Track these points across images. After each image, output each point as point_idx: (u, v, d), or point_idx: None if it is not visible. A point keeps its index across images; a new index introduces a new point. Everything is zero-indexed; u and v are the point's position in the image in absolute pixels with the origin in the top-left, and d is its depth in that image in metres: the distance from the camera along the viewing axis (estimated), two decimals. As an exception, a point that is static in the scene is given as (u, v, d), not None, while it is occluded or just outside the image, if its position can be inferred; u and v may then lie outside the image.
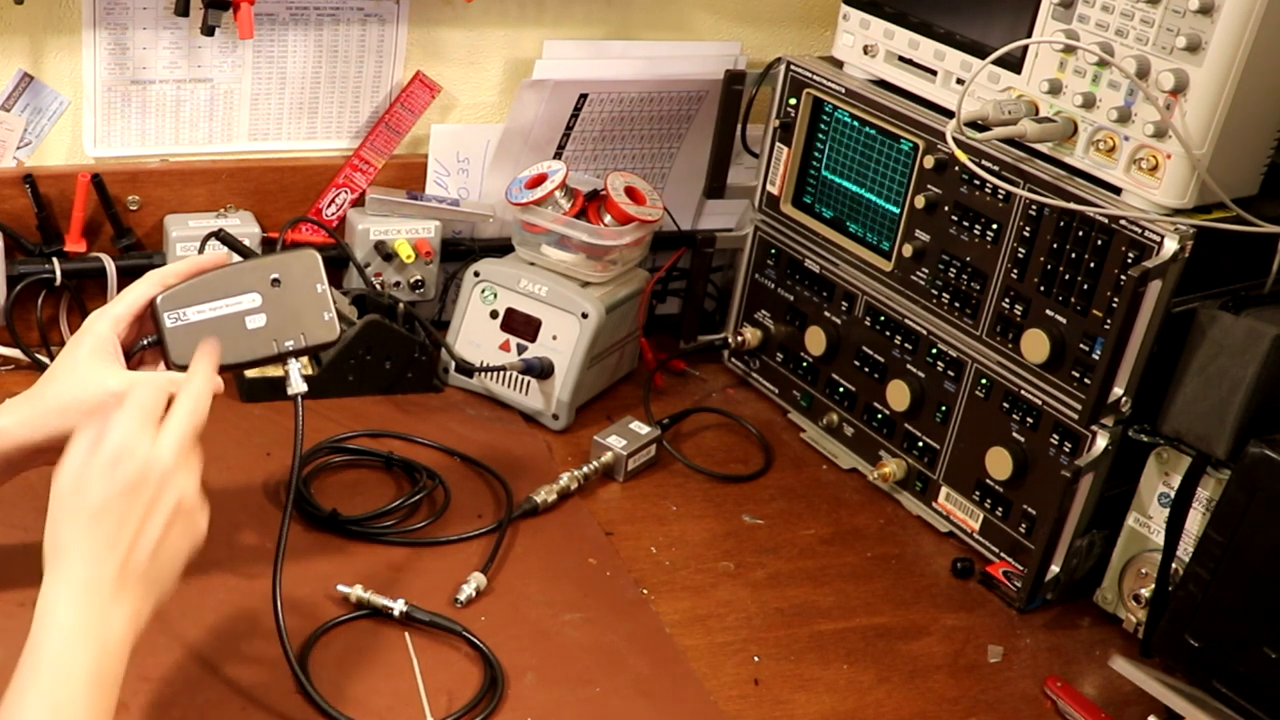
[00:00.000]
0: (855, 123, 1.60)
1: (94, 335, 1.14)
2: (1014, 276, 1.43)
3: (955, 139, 1.35)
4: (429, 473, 1.48)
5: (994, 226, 1.44)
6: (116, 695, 0.97)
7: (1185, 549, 1.33)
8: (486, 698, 1.20)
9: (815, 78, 1.61)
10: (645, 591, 1.38)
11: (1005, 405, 1.46)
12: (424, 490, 1.45)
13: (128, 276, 1.61)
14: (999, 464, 1.46)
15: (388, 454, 1.51)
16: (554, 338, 1.62)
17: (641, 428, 1.59)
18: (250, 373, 1.48)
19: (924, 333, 1.54)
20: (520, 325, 1.64)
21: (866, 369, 1.61)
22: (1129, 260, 1.32)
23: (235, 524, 1.37)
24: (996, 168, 1.42)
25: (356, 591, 1.28)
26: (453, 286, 1.79)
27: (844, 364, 1.64)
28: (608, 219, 1.64)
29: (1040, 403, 1.42)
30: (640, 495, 1.54)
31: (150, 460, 1.01)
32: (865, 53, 1.57)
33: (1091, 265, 1.35)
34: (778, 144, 1.68)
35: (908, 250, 1.53)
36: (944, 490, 1.54)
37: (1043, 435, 1.43)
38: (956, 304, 1.49)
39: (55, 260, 1.59)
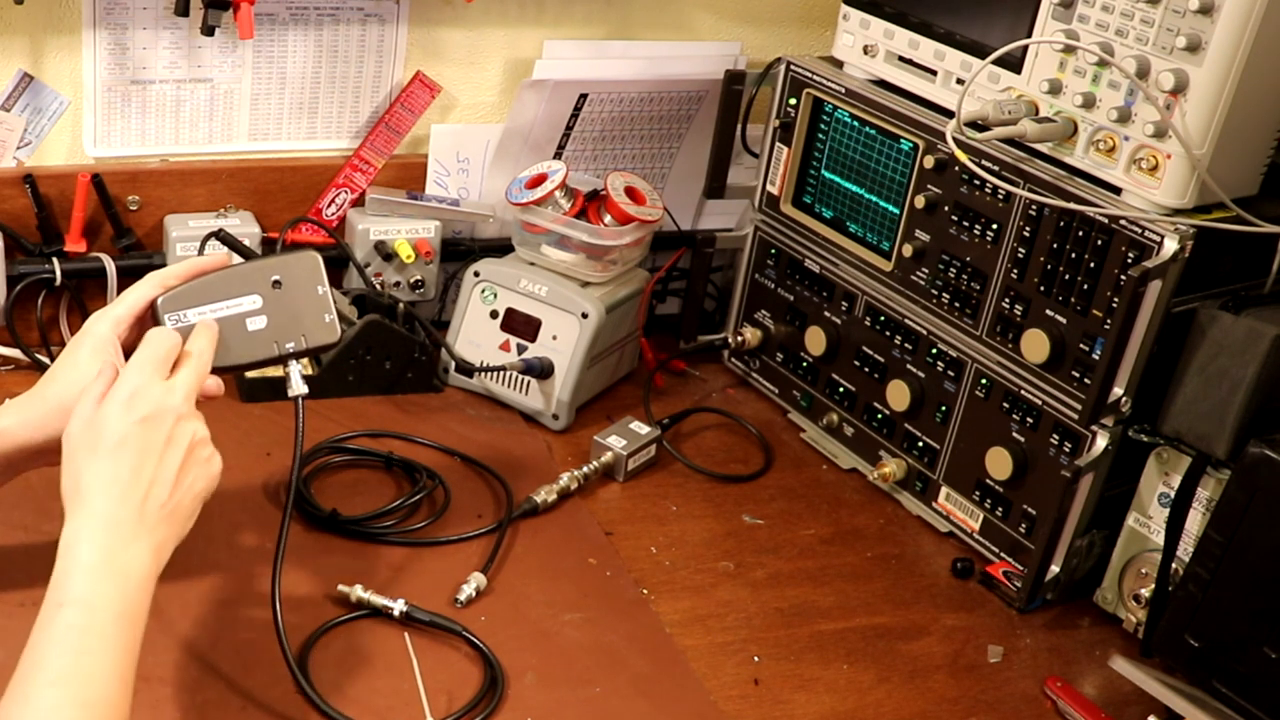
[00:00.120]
0: (855, 123, 1.60)
1: (94, 336, 1.15)
2: (1014, 276, 1.43)
3: (955, 139, 1.35)
4: (429, 473, 1.48)
5: (994, 226, 1.44)
6: (142, 631, 0.98)
7: (1185, 549, 1.33)
8: (486, 698, 1.20)
9: (815, 78, 1.61)
10: (645, 591, 1.38)
11: (1005, 405, 1.46)
12: (424, 490, 1.45)
13: (128, 276, 1.62)
14: (999, 464, 1.46)
15: (388, 454, 1.51)
16: (554, 338, 1.62)
17: (641, 428, 1.59)
18: (250, 373, 1.48)
19: (924, 333, 1.54)
20: (520, 325, 1.64)
21: (866, 369, 1.61)
22: (1129, 260, 1.32)
23: (235, 524, 1.37)
24: (996, 168, 1.42)
25: (356, 591, 1.28)
26: (453, 286, 1.79)
27: (844, 364, 1.64)
28: (608, 219, 1.64)
29: (1040, 403, 1.42)
30: (640, 495, 1.54)
31: (164, 399, 1.03)
32: (865, 53, 1.57)
33: (1091, 265, 1.35)
34: (778, 144, 1.68)
35: (908, 250, 1.53)
36: (944, 490, 1.54)
37: (1043, 435, 1.43)
38: (956, 304, 1.49)
39: (55, 260, 1.59)
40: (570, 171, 1.66)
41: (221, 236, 1.57)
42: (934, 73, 1.50)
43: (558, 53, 1.74)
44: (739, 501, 1.56)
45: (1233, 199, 1.31)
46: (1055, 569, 1.42)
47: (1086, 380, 1.36)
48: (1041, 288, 1.40)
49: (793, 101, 1.65)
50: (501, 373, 1.63)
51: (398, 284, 1.73)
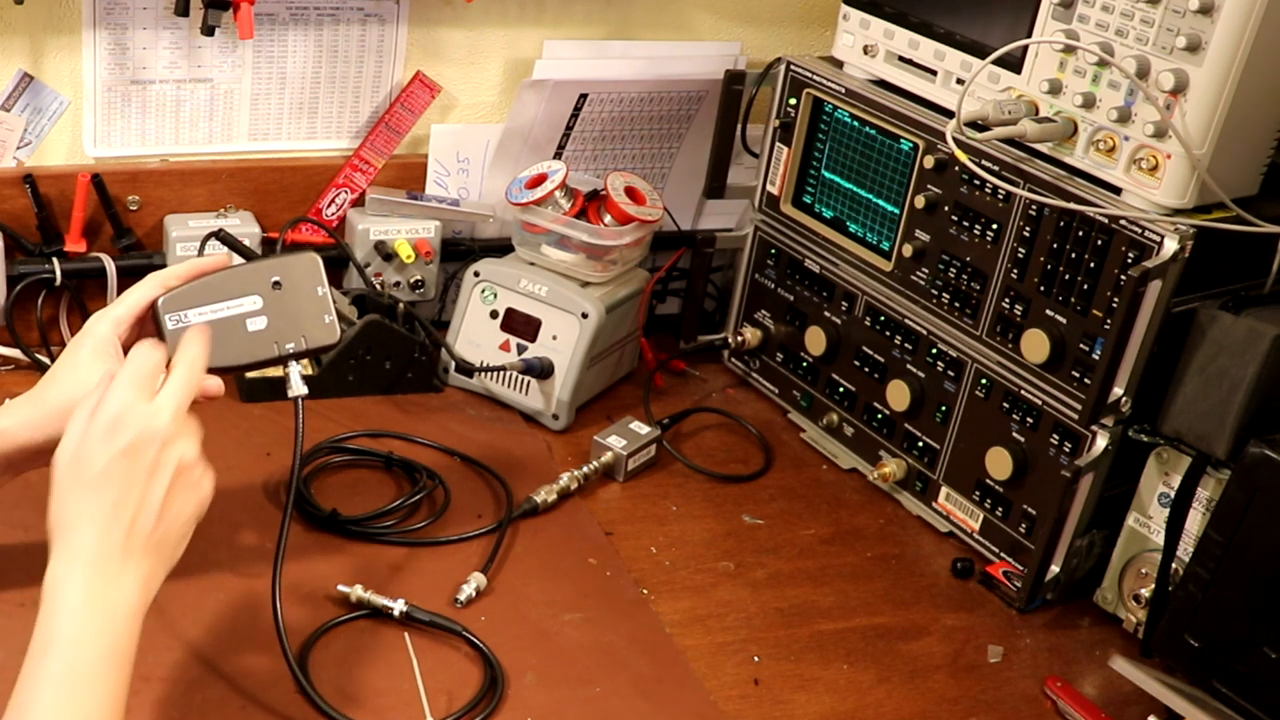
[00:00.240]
0: (855, 123, 1.60)
1: (95, 337, 1.15)
2: (1014, 276, 1.43)
3: (955, 139, 1.35)
4: (429, 473, 1.48)
5: (994, 226, 1.44)
6: (132, 664, 0.97)
7: (1185, 549, 1.33)
8: (486, 698, 1.20)
9: (815, 78, 1.61)
10: (645, 591, 1.38)
11: (1005, 405, 1.46)
12: (424, 490, 1.45)
13: (128, 276, 1.62)
14: (999, 464, 1.46)
15: (388, 454, 1.51)
16: (554, 338, 1.62)
17: (641, 428, 1.59)
18: (250, 373, 1.48)
19: (924, 333, 1.54)
20: (520, 325, 1.64)
21: (866, 369, 1.61)
22: (1129, 260, 1.32)
23: (235, 524, 1.37)
24: (996, 168, 1.42)
25: (356, 591, 1.28)
26: (453, 286, 1.79)
27: (844, 364, 1.64)
28: (608, 219, 1.64)
29: (1040, 403, 1.42)
30: (640, 495, 1.54)
31: (149, 423, 1.00)
32: (865, 53, 1.57)
33: (1091, 265, 1.35)
34: (778, 144, 1.68)
35: (908, 250, 1.53)
36: (944, 490, 1.54)
37: (1043, 435, 1.43)
38: (956, 304, 1.49)
39: (55, 260, 1.59)
40: (570, 171, 1.66)
41: (221, 236, 1.57)
42: (934, 73, 1.50)
43: (558, 53, 1.74)
44: (739, 501, 1.56)
45: (1233, 199, 1.31)
46: (1055, 569, 1.42)
47: (1086, 380, 1.36)
48: (1041, 288, 1.40)
49: (793, 101, 1.65)
50: (501, 373, 1.63)
51: (398, 284, 1.73)
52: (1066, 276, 1.37)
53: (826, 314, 1.65)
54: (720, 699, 1.26)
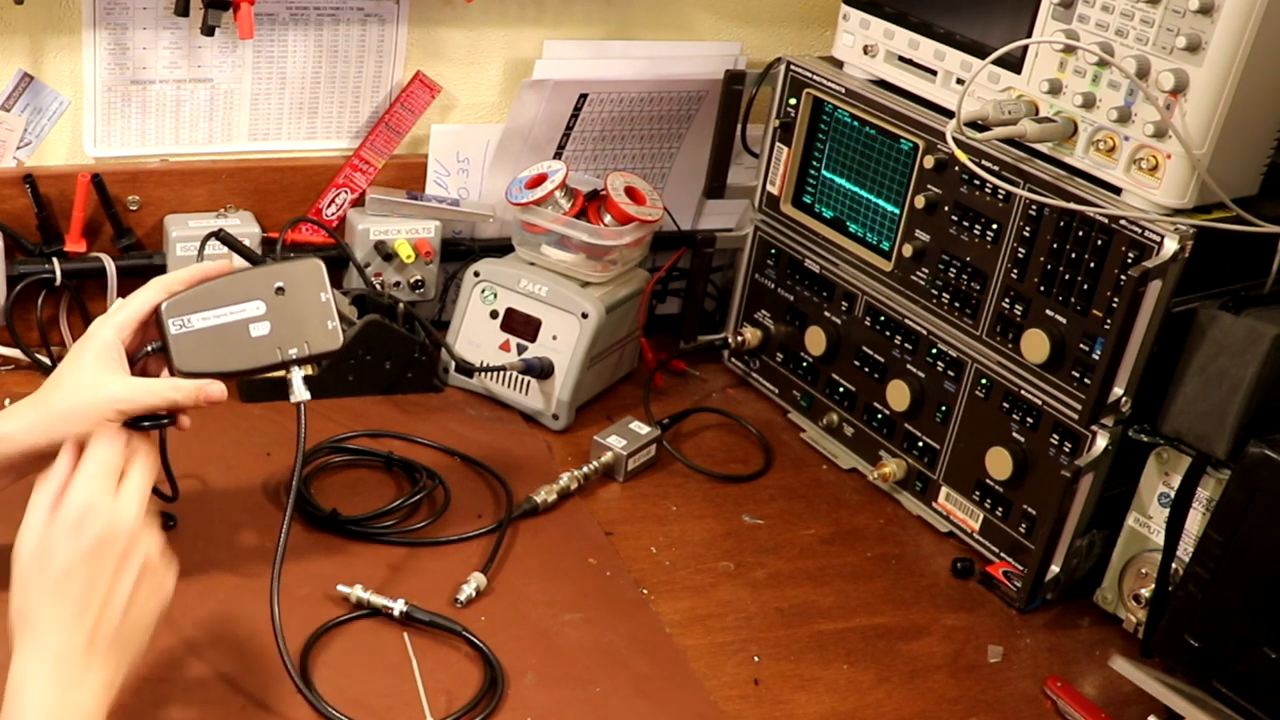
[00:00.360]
0: (855, 123, 1.60)
1: (98, 341, 1.15)
2: (1014, 276, 1.43)
3: (955, 139, 1.35)
4: (429, 473, 1.48)
5: (994, 226, 1.44)
6: None
7: (1185, 549, 1.33)
8: (486, 698, 1.20)
9: (815, 78, 1.61)
10: (645, 591, 1.38)
11: (1005, 405, 1.46)
12: (424, 490, 1.45)
13: (128, 276, 1.63)
14: (999, 464, 1.46)
15: (388, 454, 1.51)
16: (554, 338, 1.62)
17: (641, 428, 1.59)
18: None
19: (924, 333, 1.54)
20: (520, 325, 1.64)
21: (866, 369, 1.61)
22: (1129, 260, 1.32)
23: (235, 524, 1.37)
24: (996, 168, 1.42)
25: (356, 591, 1.28)
26: (453, 286, 1.79)
27: (844, 364, 1.64)
28: (608, 219, 1.64)
29: (1040, 403, 1.42)
30: (640, 495, 1.54)
31: (115, 519, 0.99)
32: (865, 53, 1.57)
33: (1091, 265, 1.35)
34: (778, 144, 1.68)
35: (908, 250, 1.53)
36: (944, 490, 1.54)
37: (1043, 435, 1.43)
38: (956, 304, 1.49)
39: (55, 260, 1.59)
40: (570, 171, 1.66)
41: (221, 236, 1.57)
42: (934, 73, 1.50)
43: (558, 53, 1.74)
44: (739, 501, 1.56)
45: (1233, 199, 1.31)
46: (1055, 569, 1.42)
47: (1086, 380, 1.36)
48: (1041, 288, 1.40)
49: (793, 101, 1.65)
50: (501, 373, 1.63)
51: (398, 284, 1.73)
52: (1066, 276, 1.37)
53: (826, 314, 1.65)
54: (720, 699, 1.26)
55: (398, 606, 1.26)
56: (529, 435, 1.62)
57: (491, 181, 1.78)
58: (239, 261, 1.56)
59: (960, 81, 1.46)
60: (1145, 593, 1.37)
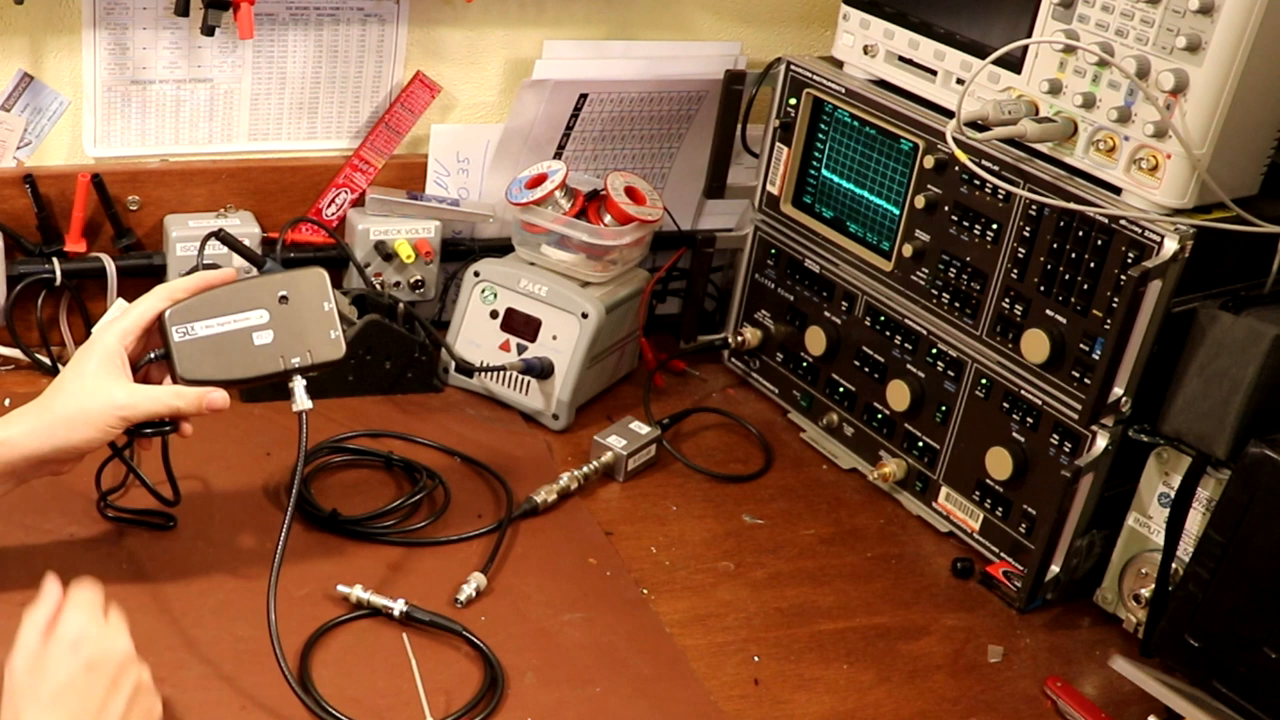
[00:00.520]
0: (855, 123, 1.60)
1: (103, 347, 1.15)
2: (1014, 276, 1.43)
3: (955, 139, 1.35)
4: (429, 473, 1.48)
5: (994, 226, 1.44)
6: None
7: (1185, 549, 1.33)
8: (486, 698, 1.20)
9: (815, 78, 1.61)
10: (645, 591, 1.38)
11: (1005, 405, 1.46)
12: (424, 490, 1.45)
13: (128, 276, 1.63)
14: (999, 464, 1.46)
15: (388, 454, 1.51)
16: (554, 338, 1.62)
17: (641, 428, 1.59)
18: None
19: (924, 333, 1.54)
20: (520, 325, 1.64)
21: (866, 369, 1.61)
22: (1129, 260, 1.32)
23: (235, 524, 1.37)
24: (996, 168, 1.42)
25: (356, 591, 1.28)
26: (453, 286, 1.79)
27: (844, 364, 1.64)
28: (608, 219, 1.64)
29: (1040, 403, 1.42)
30: (640, 495, 1.54)
31: (110, 642, 1.00)
32: (865, 53, 1.57)
33: (1091, 265, 1.35)
34: (778, 144, 1.68)
35: (908, 250, 1.53)
36: (944, 490, 1.54)
37: (1043, 435, 1.42)
38: (956, 304, 1.49)
39: (55, 260, 1.59)
40: (570, 171, 1.66)
41: (221, 237, 1.57)
42: (934, 73, 1.50)
43: (558, 53, 1.74)
44: (739, 501, 1.56)
45: (1233, 199, 1.31)
46: (1055, 569, 1.42)
47: (1086, 380, 1.36)
48: (1041, 288, 1.40)
49: (793, 101, 1.65)
50: (501, 373, 1.63)
51: (398, 284, 1.73)
52: (1066, 276, 1.37)
53: (826, 314, 1.65)
54: (720, 699, 1.26)
55: (398, 606, 1.26)
56: (529, 435, 1.62)
57: (491, 181, 1.78)
58: (239, 262, 1.57)
59: (960, 81, 1.46)
60: (1145, 593, 1.37)
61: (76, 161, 1.63)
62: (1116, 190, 1.34)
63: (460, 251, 1.77)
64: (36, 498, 1.31)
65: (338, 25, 1.67)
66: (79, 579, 1.03)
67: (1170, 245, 1.28)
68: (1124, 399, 1.35)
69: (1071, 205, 1.34)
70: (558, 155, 1.79)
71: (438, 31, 1.71)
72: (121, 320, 1.17)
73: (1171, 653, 1.28)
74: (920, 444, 1.56)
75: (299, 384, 1.21)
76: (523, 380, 1.63)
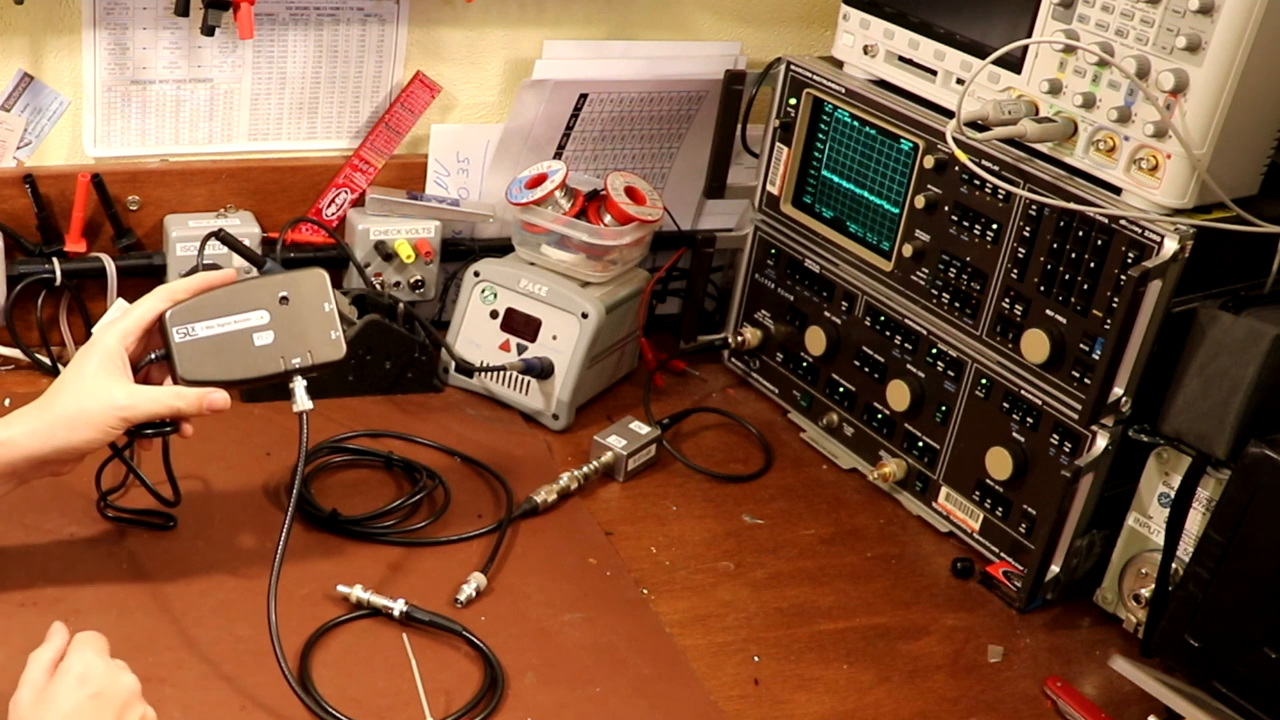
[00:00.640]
0: (855, 123, 1.60)
1: (102, 348, 1.15)
2: (1014, 276, 1.43)
3: (955, 139, 1.35)
4: (429, 473, 1.48)
5: (994, 226, 1.44)
6: None
7: (1185, 549, 1.33)
8: (486, 698, 1.20)
9: (815, 78, 1.61)
10: (645, 591, 1.38)
11: (1005, 405, 1.46)
12: (424, 490, 1.45)
13: (128, 276, 1.63)
14: (999, 464, 1.46)
15: (388, 454, 1.51)
16: (554, 338, 1.62)
17: (641, 428, 1.59)
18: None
19: (924, 333, 1.54)
20: (520, 325, 1.64)
21: (866, 369, 1.61)
22: (1129, 260, 1.32)
23: (235, 524, 1.37)
24: (996, 168, 1.42)
25: (356, 591, 1.28)
26: (453, 286, 1.79)
27: (844, 364, 1.64)
28: (608, 219, 1.64)
29: (1040, 403, 1.42)
30: (640, 495, 1.54)
31: (116, 677, 1.00)
32: (865, 53, 1.57)
33: (1091, 265, 1.35)
34: (778, 144, 1.68)
35: (908, 250, 1.53)
36: (944, 490, 1.54)
37: (1043, 435, 1.42)
38: (956, 304, 1.49)
39: (55, 260, 1.59)
40: (570, 171, 1.66)
41: (221, 237, 1.57)
42: (934, 73, 1.50)
43: (558, 53, 1.74)
44: (739, 501, 1.56)
45: (1233, 199, 1.31)
46: (1055, 569, 1.42)
47: (1086, 380, 1.36)
48: (1041, 288, 1.40)
49: (793, 101, 1.65)
50: (501, 373, 1.63)
51: (398, 284, 1.73)
52: (1066, 276, 1.37)
53: (826, 314, 1.65)
54: (720, 699, 1.26)
55: (398, 606, 1.26)
56: (529, 435, 1.62)
57: (491, 181, 1.78)
58: (239, 262, 1.57)
59: (960, 81, 1.46)
60: (1145, 593, 1.37)
61: (76, 161, 1.63)
62: (1116, 190, 1.34)
63: (460, 251, 1.77)
64: (36, 498, 1.31)
65: (338, 25, 1.67)
66: (80, 634, 1.03)
67: (1170, 245, 1.28)
68: (1124, 399, 1.35)
69: (1071, 205, 1.34)
70: (558, 155, 1.79)
71: (438, 31, 1.71)
72: (122, 321, 1.17)
73: (1171, 653, 1.28)
74: (920, 444, 1.56)
75: (299, 384, 1.21)
76: (523, 380, 1.63)
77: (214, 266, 1.53)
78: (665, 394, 1.75)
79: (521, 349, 1.64)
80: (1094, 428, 1.37)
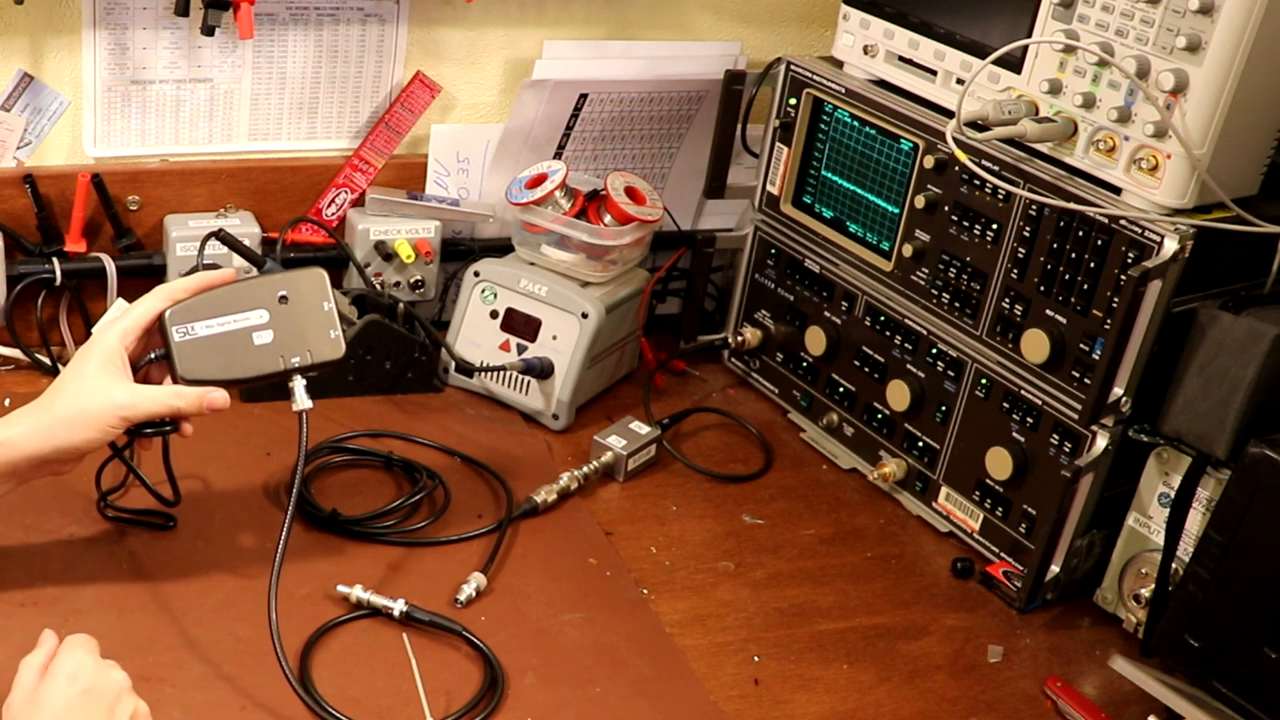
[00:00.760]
0: (855, 123, 1.60)
1: (102, 348, 1.15)
2: (1014, 276, 1.43)
3: (955, 139, 1.35)
4: (429, 473, 1.48)
5: (994, 226, 1.44)
6: None
7: (1185, 549, 1.33)
8: (486, 698, 1.20)
9: (815, 78, 1.61)
10: (645, 591, 1.38)
11: (1005, 405, 1.46)
12: (424, 490, 1.45)
13: (128, 276, 1.63)
14: (999, 464, 1.46)
15: (388, 454, 1.51)
16: (554, 338, 1.62)
17: (641, 428, 1.59)
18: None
19: (924, 333, 1.54)
20: (520, 325, 1.64)
21: (866, 369, 1.61)
22: (1129, 260, 1.32)
23: (235, 524, 1.37)
24: (996, 168, 1.42)
25: (356, 591, 1.28)
26: (453, 286, 1.79)
27: (844, 364, 1.64)
28: (608, 219, 1.64)
29: (1040, 403, 1.42)
30: (640, 495, 1.54)
31: (107, 674, 1.00)
32: (865, 53, 1.57)
33: (1091, 265, 1.35)
34: (778, 144, 1.68)
35: (908, 250, 1.53)
36: (944, 490, 1.54)
37: (1043, 435, 1.42)
38: (956, 304, 1.49)
39: (55, 260, 1.59)
40: (570, 171, 1.66)
41: (221, 237, 1.57)
42: (934, 73, 1.50)
43: (558, 53, 1.74)
44: (739, 501, 1.56)
45: (1233, 199, 1.31)
46: (1055, 569, 1.42)
47: (1086, 380, 1.36)
48: (1041, 288, 1.40)
49: (793, 101, 1.65)
50: (501, 373, 1.63)
51: (398, 284, 1.73)
52: (1066, 276, 1.37)
53: (826, 314, 1.65)
54: (720, 699, 1.26)
55: (398, 606, 1.26)
56: (529, 435, 1.62)
57: (491, 181, 1.78)
58: (239, 262, 1.57)
59: (960, 81, 1.46)
60: (1145, 593, 1.37)
61: (76, 161, 1.63)
62: (1116, 190, 1.34)
63: (460, 251, 1.77)
64: (36, 498, 1.31)
65: (338, 25, 1.67)
66: (70, 637, 1.03)
67: (1170, 245, 1.28)
68: (1124, 399, 1.35)
69: (1071, 205, 1.34)
70: (558, 155, 1.79)
71: (438, 31, 1.71)
72: (122, 320, 1.17)
73: (1171, 653, 1.28)
74: (920, 444, 1.56)
75: (299, 384, 1.21)
76: (523, 380, 1.63)
77: (214, 266, 1.53)
78: (665, 394, 1.75)
79: (521, 349, 1.64)
80: (1094, 428, 1.37)
